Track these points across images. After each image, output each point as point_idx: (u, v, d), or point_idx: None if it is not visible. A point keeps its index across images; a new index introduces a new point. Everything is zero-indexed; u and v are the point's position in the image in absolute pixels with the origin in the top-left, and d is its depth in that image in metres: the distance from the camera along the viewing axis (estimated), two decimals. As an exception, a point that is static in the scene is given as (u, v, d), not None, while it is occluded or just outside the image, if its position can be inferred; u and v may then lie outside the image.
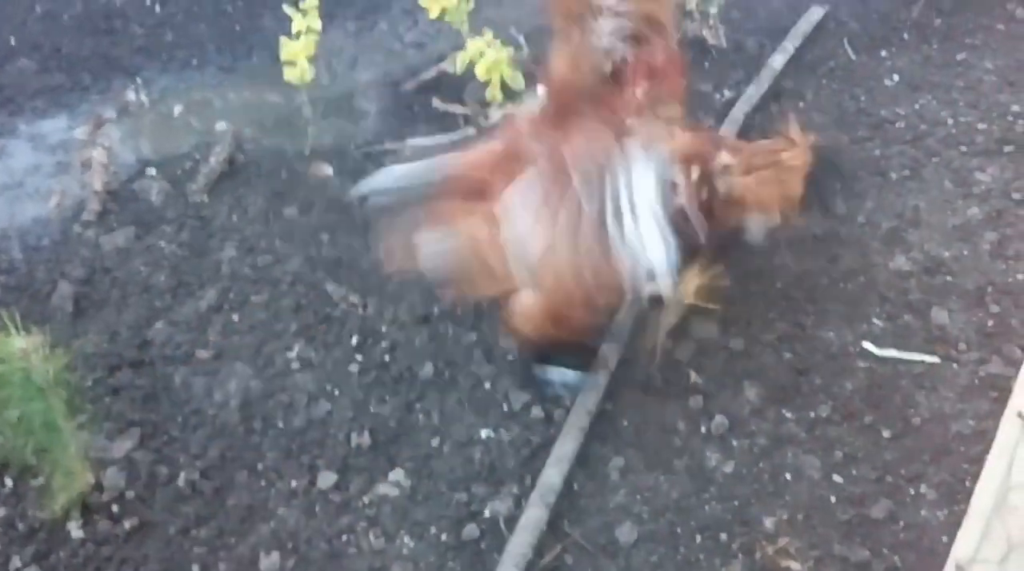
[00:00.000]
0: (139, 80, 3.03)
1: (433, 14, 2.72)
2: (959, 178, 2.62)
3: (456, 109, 2.82)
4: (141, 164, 2.76)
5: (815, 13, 3.15)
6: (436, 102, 2.84)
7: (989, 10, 3.16)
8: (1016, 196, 2.56)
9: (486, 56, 2.58)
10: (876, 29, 3.13)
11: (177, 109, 2.94)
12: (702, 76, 2.95)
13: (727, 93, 2.91)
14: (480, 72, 2.62)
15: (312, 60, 2.66)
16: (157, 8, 3.24)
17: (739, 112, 2.78)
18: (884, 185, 2.62)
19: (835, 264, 2.45)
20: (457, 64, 2.69)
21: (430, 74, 2.96)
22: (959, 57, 2.99)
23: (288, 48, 2.61)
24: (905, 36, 3.10)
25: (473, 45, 2.62)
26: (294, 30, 2.62)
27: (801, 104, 2.88)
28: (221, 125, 2.86)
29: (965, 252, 2.45)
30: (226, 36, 3.17)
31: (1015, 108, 2.77)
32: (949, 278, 2.40)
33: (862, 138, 2.76)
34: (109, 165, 2.70)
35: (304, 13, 2.61)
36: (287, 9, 2.64)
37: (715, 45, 3.04)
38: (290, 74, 2.64)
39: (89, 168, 2.68)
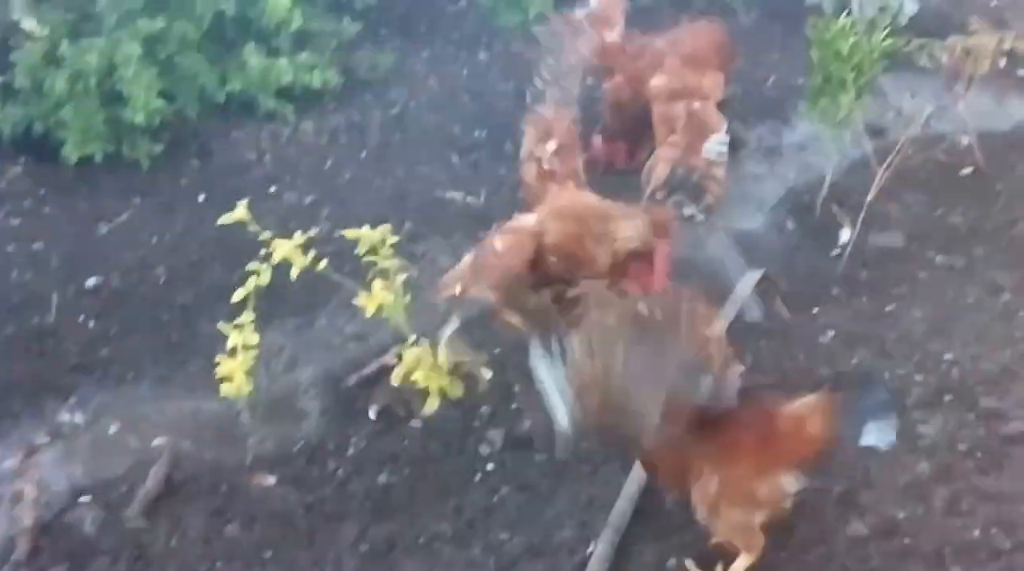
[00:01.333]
0: (73, 399, 3.18)
1: (369, 312, 2.91)
2: (904, 433, 2.78)
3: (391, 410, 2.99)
4: (75, 492, 2.86)
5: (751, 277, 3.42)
6: (371, 412, 3.01)
7: (911, 258, 3.46)
8: (961, 447, 2.73)
9: (423, 365, 2.78)
10: (805, 286, 3.40)
11: (113, 427, 3.08)
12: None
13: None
14: (418, 381, 2.81)
15: (250, 372, 2.83)
16: (91, 323, 3.44)
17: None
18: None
19: (792, 535, 2.56)
20: (394, 377, 2.88)
21: (371, 368, 3.15)
22: (888, 309, 3.26)
23: (225, 365, 2.78)
24: (834, 291, 3.37)
25: (410, 354, 2.81)
26: (229, 346, 2.80)
27: (742, 368, 3.09)
28: (158, 441, 3.00)
29: (919, 511, 2.58)
30: (161, 347, 3.36)
31: (948, 356, 3.00)
32: (907, 540, 2.52)
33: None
34: (40, 497, 2.80)
35: (239, 329, 2.80)
36: (222, 326, 2.83)
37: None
38: (227, 390, 2.79)
39: (19, 502, 2.78)
